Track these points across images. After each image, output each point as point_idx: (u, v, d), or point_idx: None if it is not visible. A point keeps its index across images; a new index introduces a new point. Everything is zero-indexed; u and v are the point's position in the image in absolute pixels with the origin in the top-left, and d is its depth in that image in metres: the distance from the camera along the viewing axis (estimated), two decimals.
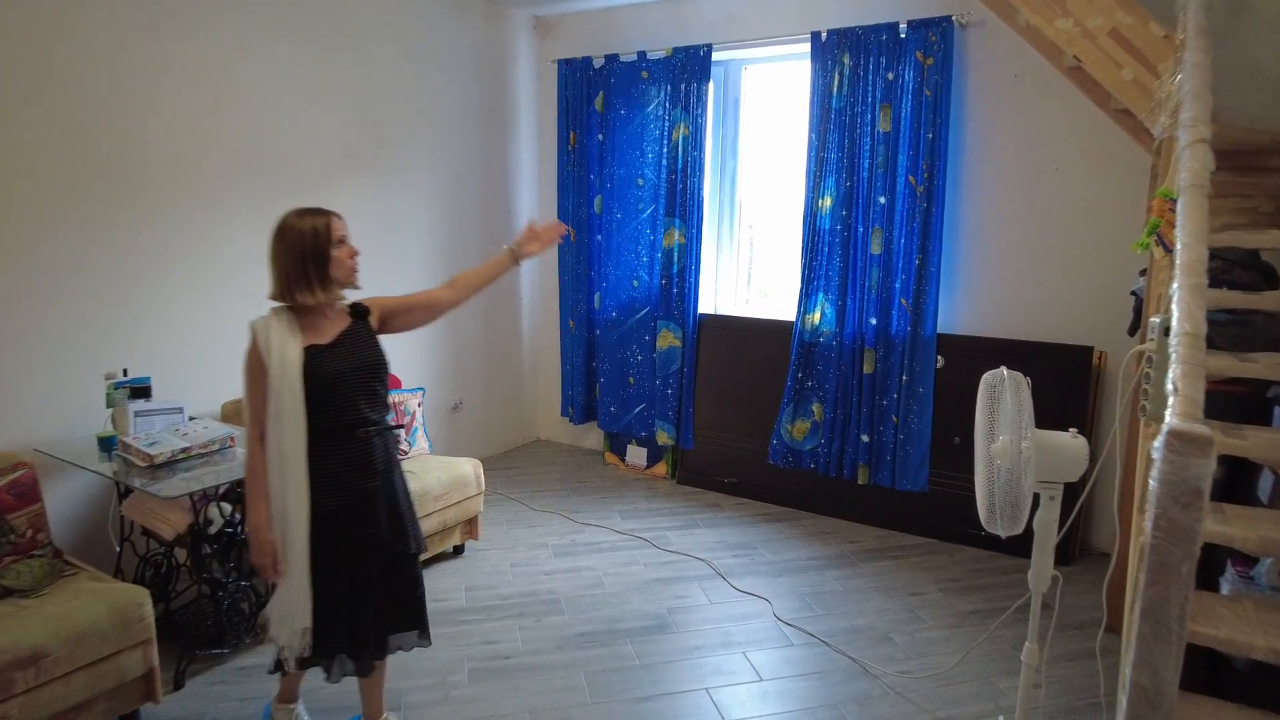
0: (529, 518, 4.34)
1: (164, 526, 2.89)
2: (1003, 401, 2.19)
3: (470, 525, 3.86)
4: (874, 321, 4.25)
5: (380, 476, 2.22)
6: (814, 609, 3.41)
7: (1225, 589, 2.49)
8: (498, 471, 5.05)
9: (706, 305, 4.94)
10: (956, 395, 4.03)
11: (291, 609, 2.14)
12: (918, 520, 4.22)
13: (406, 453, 3.88)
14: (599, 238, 5.11)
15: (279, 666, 2.28)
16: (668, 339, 4.90)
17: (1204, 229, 2.13)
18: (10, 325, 2.96)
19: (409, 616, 2.36)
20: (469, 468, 3.77)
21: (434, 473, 3.64)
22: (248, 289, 3.73)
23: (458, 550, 3.88)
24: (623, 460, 5.24)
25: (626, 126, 4.93)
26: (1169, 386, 1.84)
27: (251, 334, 2.12)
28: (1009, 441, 2.09)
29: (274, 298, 2.16)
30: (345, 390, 2.12)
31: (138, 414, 2.97)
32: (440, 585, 3.56)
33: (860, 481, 4.31)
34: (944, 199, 4.04)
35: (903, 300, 4.16)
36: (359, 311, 2.27)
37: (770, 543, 4.08)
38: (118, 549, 3.15)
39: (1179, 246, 2.13)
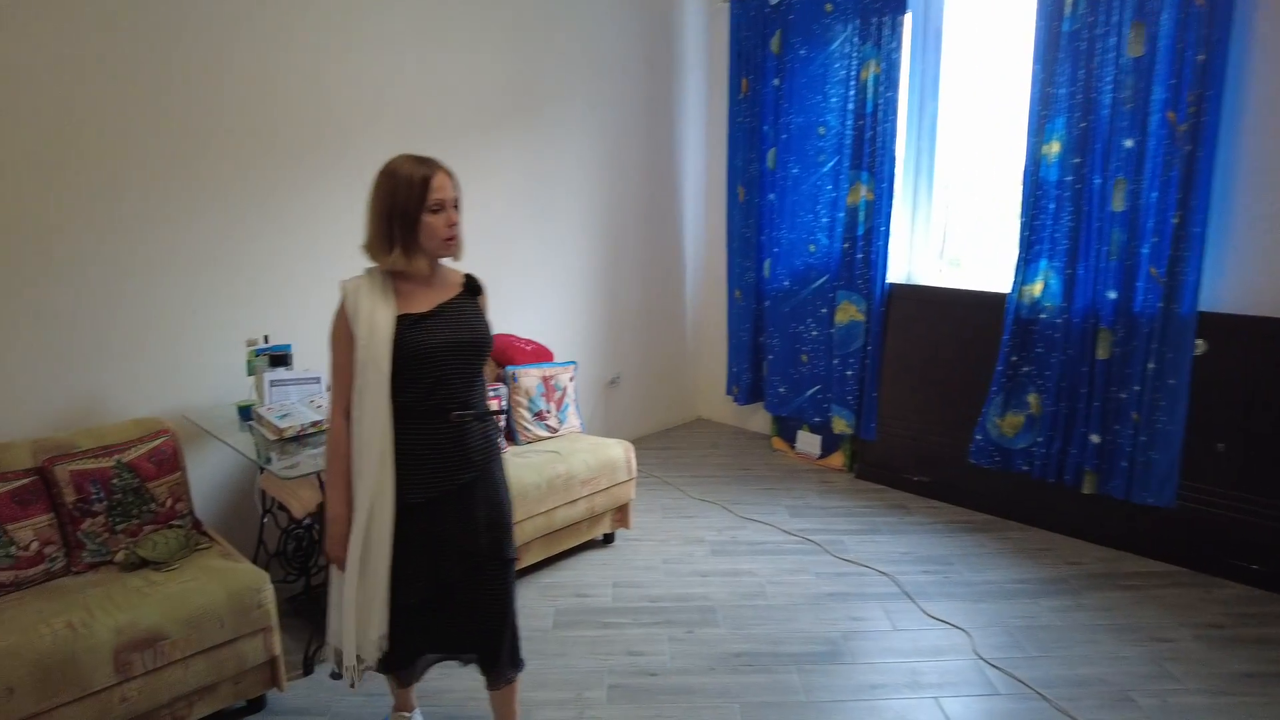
0: (686, 506, 3.94)
1: (294, 503, 2.74)
2: None
3: (621, 512, 3.52)
4: (1112, 295, 3.43)
5: (476, 468, 1.92)
6: (1025, 648, 2.77)
7: None
8: (654, 452, 4.69)
9: (897, 273, 4.28)
10: (1222, 390, 3.18)
11: (365, 612, 1.88)
12: (1160, 543, 3.41)
13: (556, 430, 3.59)
14: (771, 197, 4.57)
15: (339, 675, 2.00)
16: (849, 312, 4.30)
17: None
18: (160, 290, 2.90)
19: (485, 636, 2.00)
20: (620, 451, 3.41)
21: (581, 455, 3.31)
22: None
23: (607, 539, 3.56)
24: (792, 447, 4.71)
25: (807, 68, 4.33)
26: None
27: (341, 295, 1.86)
28: None
29: (364, 251, 1.89)
30: (438, 367, 1.83)
31: (273, 383, 2.83)
32: (586, 578, 3.25)
33: (1085, 490, 3.54)
34: (1215, 139, 3.15)
35: (1152, 269, 3.32)
36: (473, 287, 1.98)
37: (969, 558, 3.44)
38: (261, 520, 3.07)
39: None
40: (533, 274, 4.15)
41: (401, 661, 2.01)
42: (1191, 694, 2.51)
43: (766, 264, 4.65)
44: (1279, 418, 3.09)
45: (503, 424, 1.92)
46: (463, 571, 1.94)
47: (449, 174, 1.85)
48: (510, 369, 3.54)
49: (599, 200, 4.45)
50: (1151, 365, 3.35)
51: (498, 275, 3.95)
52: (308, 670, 2.62)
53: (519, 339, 3.73)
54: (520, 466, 3.15)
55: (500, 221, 3.94)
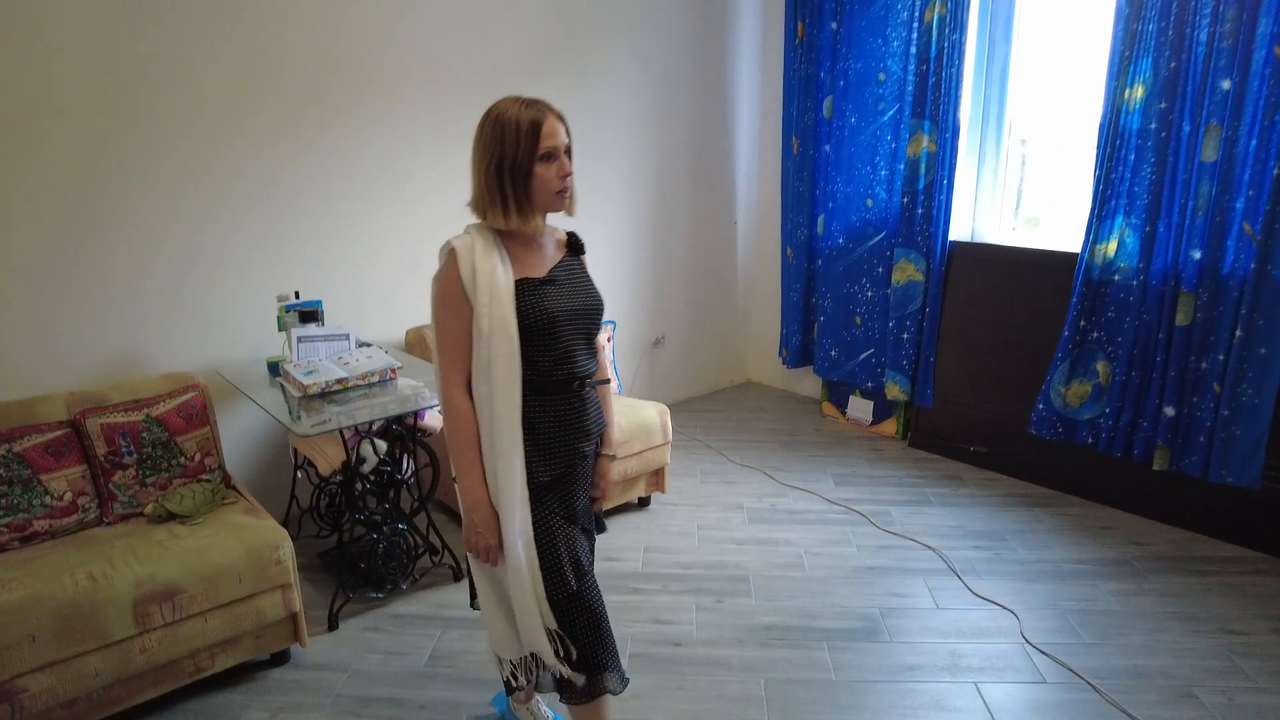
0: (727, 472, 3.82)
1: (320, 459, 2.73)
2: None
3: (656, 477, 3.42)
4: (1197, 255, 3.13)
5: (595, 438, 1.79)
6: (1079, 634, 2.59)
7: None
8: (699, 415, 4.57)
9: (960, 231, 4.01)
10: None
11: (528, 608, 1.70)
12: (1239, 526, 3.14)
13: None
14: (826, 148, 4.33)
15: (516, 686, 1.85)
16: (907, 271, 4.06)
17: None
18: (191, 243, 2.90)
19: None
20: (654, 414, 3.30)
21: (615, 418, 3.21)
22: (434, 206, 3.49)
23: (642, 502, 3.48)
24: (843, 413, 4.53)
25: (867, 10, 4.05)
26: None
27: (448, 256, 1.64)
28: None
29: (471, 208, 1.68)
30: (564, 336, 1.66)
31: (301, 339, 2.81)
32: (618, 543, 3.18)
33: (1156, 466, 3.28)
34: None
35: (1245, 226, 3.00)
36: (576, 246, 1.81)
37: (1025, 534, 3.23)
38: (294, 476, 3.08)
39: None
40: (573, 229, 4.03)
41: (591, 667, 1.78)
42: (1264, 693, 2.30)
43: (820, 220, 4.43)
44: None
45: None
46: (590, 548, 1.83)
47: (560, 117, 1.64)
48: None
49: (645, 153, 4.28)
50: (1240, 333, 3.04)
51: None
52: (332, 626, 2.63)
53: None
54: None
55: None
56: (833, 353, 4.48)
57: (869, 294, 4.26)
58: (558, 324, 1.64)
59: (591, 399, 1.76)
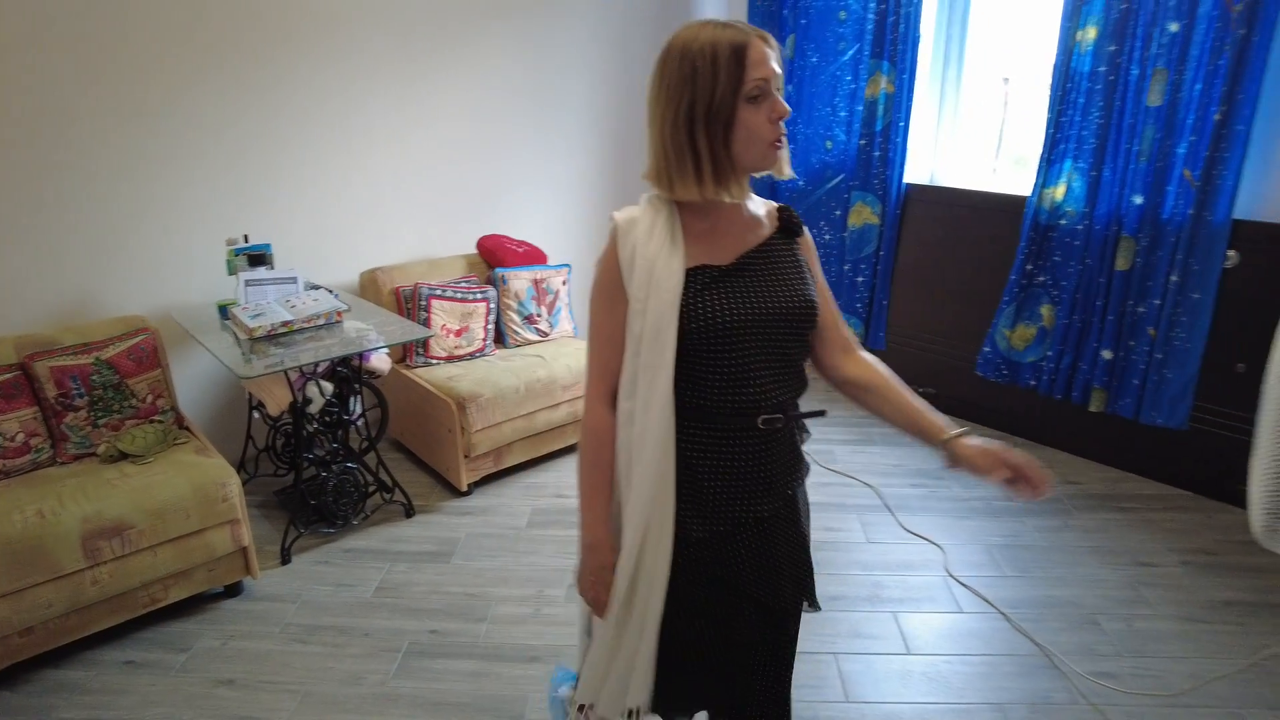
0: None
1: (269, 400, 2.80)
2: None
3: None
4: (1139, 200, 3.17)
5: (780, 496, 1.34)
6: (1001, 567, 2.71)
7: None
8: None
9: (919, 174, 4.02)
10: (1251, 306, 2.94)
11: (620, 674, 1.35)
12: (1166, 465, 3.26)
13: (547, 335, 3.56)
14: (789, 88, 4.30)
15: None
16: (863, 214, 4.09)
17: None
18: (143, 186, 2.91)
19: (772, 701, 1.46)
20: None
21: (565, 360, 3.29)
22: (391, 149, 3.49)
23: None
24: None
25: None
26: None
27: (610, 234, 1.30)
28: None
29: (649, 178, 1.28)
30: (745, 350, 1.23)
31: (249, 282, 2.85)
32: (568, 480, 3.29)
33: (1093, 408, 3.37)
34: (1276, 22, 2.80)
35: (1186, 172, 3.03)
36: (789, 224, 1.34)
37: (962, 474, 3.34)
38: (249, 415, 3.16)
39: None
40: (531, 172, 4.04)
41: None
42: (1161, 619, 2.43)
43: None
44: None
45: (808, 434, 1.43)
46: (762, 630, 1.38)
47: (769, 42, 1.19)
48: (499, 271, 3.49)
49: (604, 95, 4.25)
50: (1175, 278, 3.11)
51: (492, 174, 3.86)
52: (285, 560, 2.74)
53: (511, 240, 3.67)
54: (501, 370, 3.15)
55: (496, 117, 3.81)
56: None
57: (826, 237, 4.29)
58: (735, 333, 1.22)
59: (782, 441, 1.32)
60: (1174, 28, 2.98)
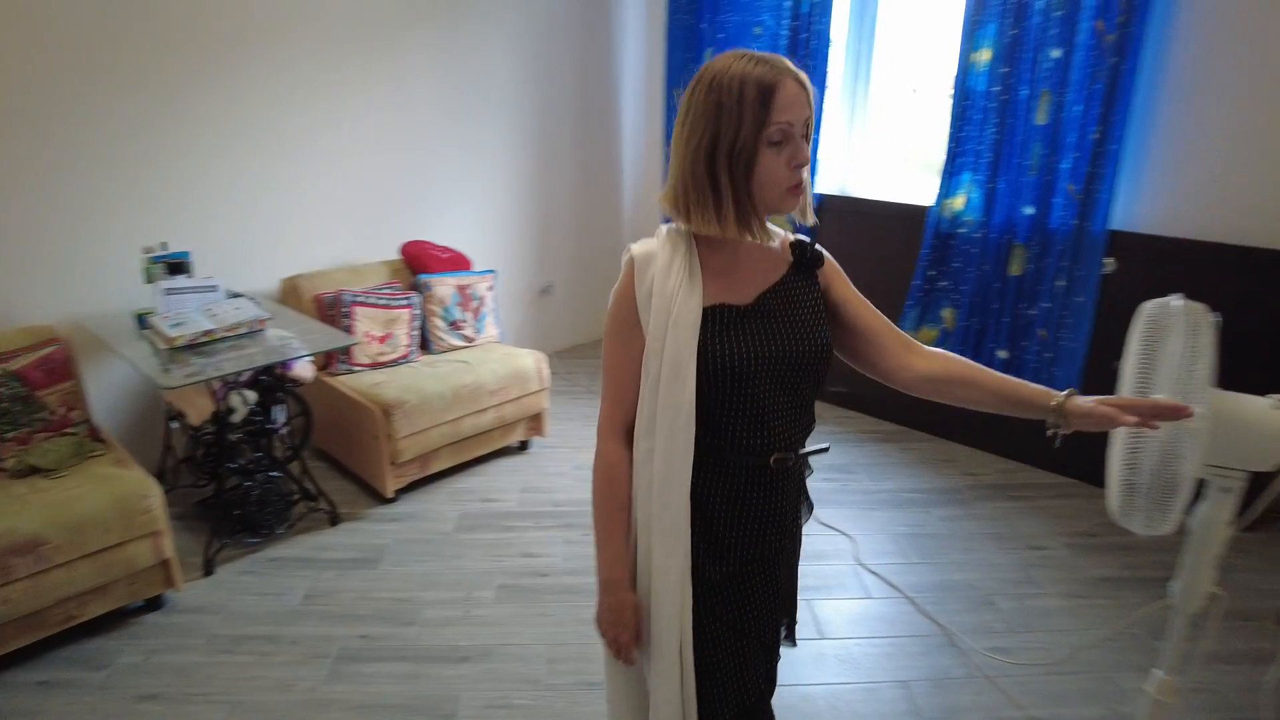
0: None
1: (191, 410, 2.77)
2: (1167, 344, 1.53)
3: (535, 421, 3.57)
4: (1029, 210, 3.42)
5: (789, 532, 1.36)
6: (907, 554, 2.90)
7: None
8: (587, 361, 4.73)
9: (831, 184, 4.22)
10: (1126, 309, 3.15)
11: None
12: (1055, 456, 3.51)
13: (473, 340, 3.60)
14: None
15: None
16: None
17: None
18: (53, 191, 2.83)
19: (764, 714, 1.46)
20: (530, 361, 3.44)
21: (491, 365, 3.33)
22: (310, 154, 3.47)
23: (523, 446, 3.63)
24: None
25: None
26: None
27: (625, 267, 1.27)
28: None
29: (665, 201, 1.24)
30: (761, 392, 1.23)
31: (169, 291, 2.81)
32: (496, 484, 3.33)
33: None
34: (1140, 52, 3.07)
35: (1070, 185, 3.29)
36: (806, 257, 1.30)
37: (873, 467, 3.54)
38: (167, 426, 3.10)
39: None
40: (455, 179, 4.07)
41: None
42: (1049, 597, 2.65)
43: None
44: None
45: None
46: (766, 666, 1.40)
47: (802, 83, 1.14)
48: (423, 277, 3.52)
49: (528, 102, 4.31)
50: (1061, 283, 3.37)
51: (415, 181, 3.87)
52: (208, 571, 2.71)
53: (435, 246, 3.69)
54: (427, 376, 3.18)
55: (419, 123, 3.82)
56: None
57: None
58: (753, 375, 1.21)
59: (791, 478, 1.32)
60: (1056, 54, 3.23)
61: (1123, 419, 1.22)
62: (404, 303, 3.38)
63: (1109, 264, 3.27)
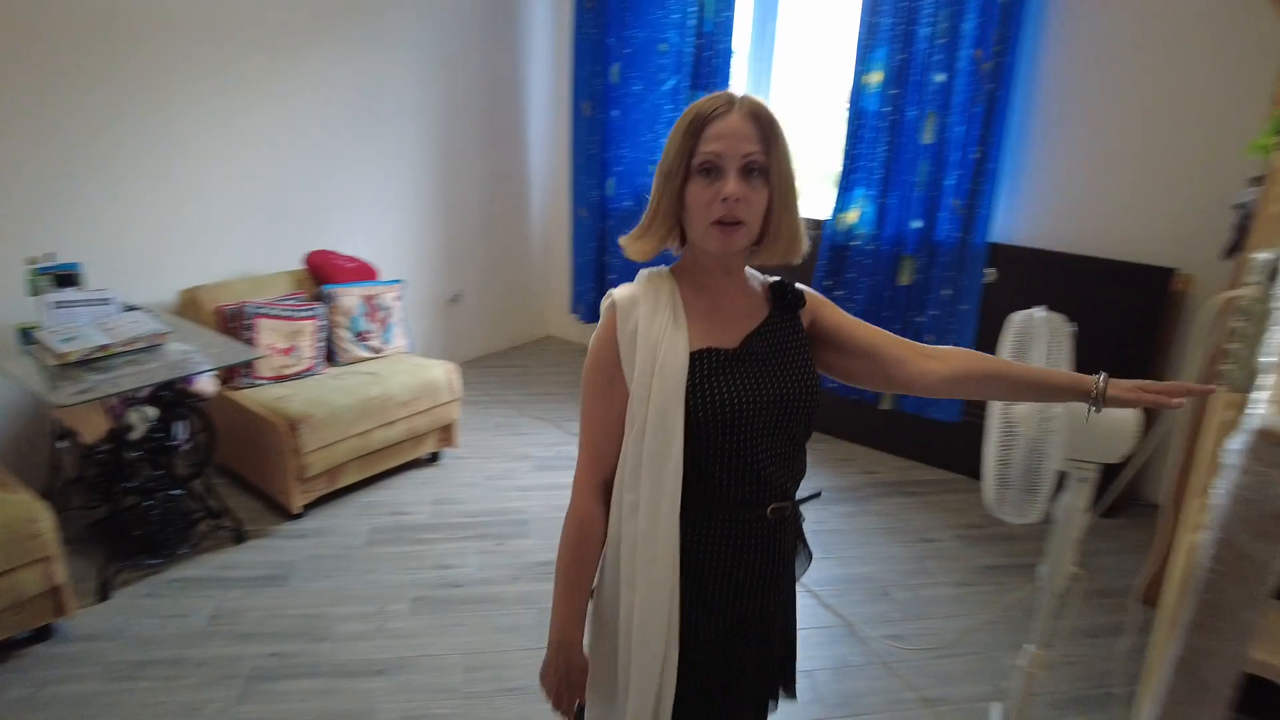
0: (519, 425, 4.03)
1: (85, 428, 2.66)
2: (1033, 350, 1.70)
3: (446, 432, 3.57)
4: (918, 224, 3.65)
5: (787, 587, 1.33)
6: (810, 550, 3.04)
7: None
8: (497, 371, 4.74)
9: None
10: (1005, 314, 3.46)
11: None
12: (946, 453, 3.76)
13: (380, 351, 3.57)
14: (615, 113, 4.53)
15: None
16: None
17: None
18: None
19: None
20: (441, 372, 3.43)
21: (400, 377, 3.32)
22: (211, 162, 3.37)
23: (434, 457, 3.61)
24: None
25: None
26: (1267, 359, 1.32)
27: (606, 311, 1.21)
28: (1034, 405, 1.61)
29: (628, 244, 1.23)
30: (753, 438, 1.18)
31: (58, 304, 2.68)
32: (406, 497, 3.31)
33: (884, 406, 3.84)
34: (1014, 80, 3.34)
35: (954, 201, 3.53)
36: (786, 298, 1.27)
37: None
38: (53, 446, 2.96)
39: None
40: (361, 188, 4.01)
41: None
42: (940, 586, 2.84)
43: (610, 182, 4.66)
44: None
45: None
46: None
47: (754, 116, 1.12)
48: (328, 288, 3.47)
49: (435, 111, 4.30)
50: (947, 291, 3.61)
51: (320, 189, 3.81)
52: (104, 596, 2.60)
53: (340, 256, 3.64)
54: (334, 389, 3.14)
55: (323, 131, 3.76)
56: None
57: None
58: (743, 421, 1.17)
59: (789, 527, 1.28)
60: (940, 78, 3.47)
61: (1167, 402, 1.19)
62: (308, 314, 3.32)
63: (990, 274, 3.52)
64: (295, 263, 3.66)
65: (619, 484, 1.20)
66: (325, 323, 3.40)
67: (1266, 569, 1.19)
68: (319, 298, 3.46)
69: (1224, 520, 1.20)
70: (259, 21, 3.41)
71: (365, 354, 3.50)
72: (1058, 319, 1.68)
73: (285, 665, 2.34)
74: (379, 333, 3.56)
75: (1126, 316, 3.20)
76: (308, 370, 3.29)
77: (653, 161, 4.42)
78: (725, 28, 4.03)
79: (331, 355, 3.44)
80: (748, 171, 1.11)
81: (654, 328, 1.16)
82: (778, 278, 1.29)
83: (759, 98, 1.14)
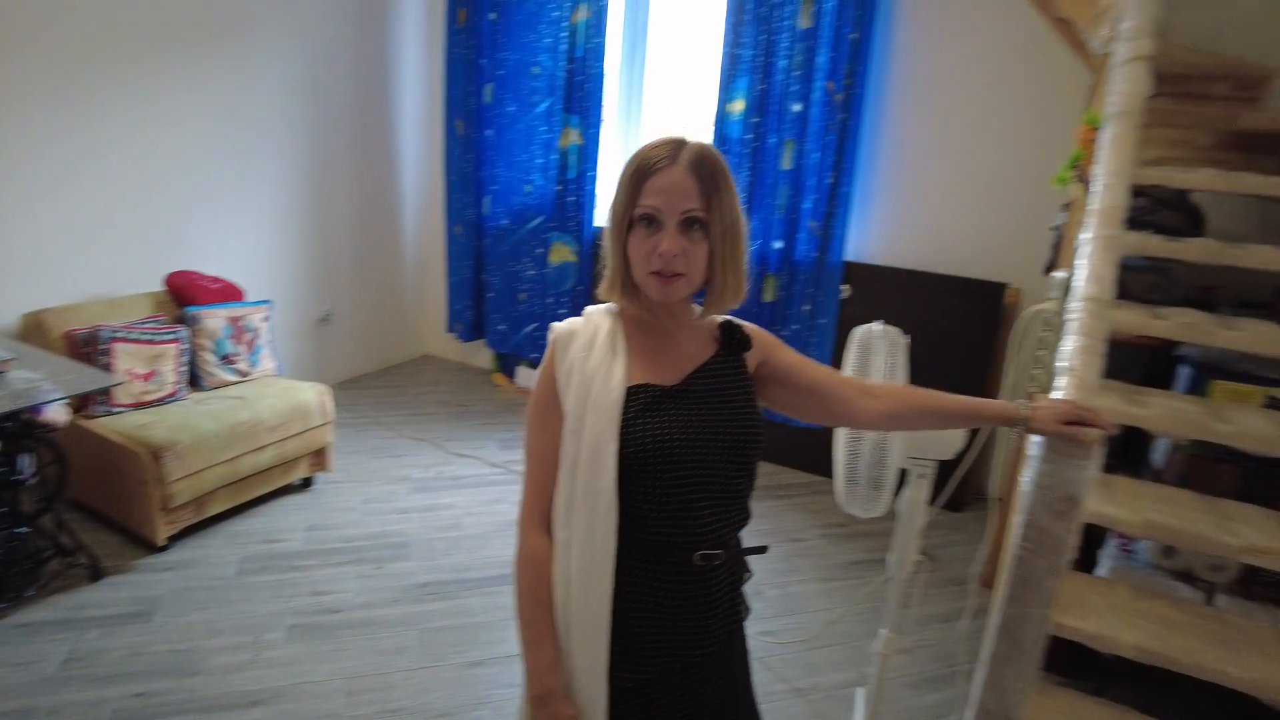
0: (396, 446, 3.98)
1: None
2: (874, 360, 1.88)
3: (319, 456, 3.48)
4: (779, 245, 3.89)
5: (715, 640, 1.24)
6: None
7: (1104, 565, 2.30)
8: (372, 391, 4.65)
9: (603, 219, 4.49)
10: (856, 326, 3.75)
11: None
12: (810, 457, 4.00)
13: (248, 374, 3.45)
14: (489, 133, 4.58)
15: None
16: (562, 253, 4.48)
17: (1129, 165, 1.81)
18: None
19: None
20: (312, 395, 3.36)
21: (269, 400, 3.22)
22: (56, 177, 3.17)
23: (306, 483, 3.52)
24: (512, 382, 4.88)
25: (522, 5, 4.33)
26: (1063, 363, 1.54)
27: (549, 346, 1.24)
28: None
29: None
30: (686, 478, 1.16)
31: None
32: (278, 524, 3.21)
33: None
34: (863, 111, 3.63)
35: (812, 223, 3.79)
36: (733, 339, 1.28)
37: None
38: None
39: (1097, 186, 1.81)
40: (226, 206, 3.87)
41: None
42: (808, 582, 3.03)
43: (486, 201, 4.69)
44: None
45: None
46: None
47: (695, 169, 1.12)
48: (191, 309, 3.33)
49: (304, 129, 4.20)
50: (807, 307, 3.86)
51: (180, 207, 3.66)
52: None
53: (204, 277, 3.50)
54: (199, 414, 3.02)
55: (184, 148, 3.61)
56: (501, 326, 4.79)
57: (531, 272, 4.62)
58: (676, 460, 1.15)
59: (723, 581, 1.23)
60: (797, 108, 3.72)
61: (1081, 436, 1.25)
62: (170, 337, 3.18)
63: (845, 290, 3.80)
64: (155, 284, 3.48)
65: (554, 521, 1.19)
66: (188, 346, 3.26)
67: (1063, 543, 1.40)
68: (181, 320, 3.31)
69: (1029, 504, 1.40)
70: (117, 33, 3.25)
71: (232, 378, 3.38)
72: (895, 332, 1.87)
73: (152, 704, 2.24)
74: (246, 355, 3.45)
75: (969, 326, 3.53)
76: (170, 396, 3.15)
77: (528, 181, 4.50)
78: (596, 53, 4.16)
79: (196, 380, 3.30)
80: (688, 225, 1.13)
81: (590, 361, 1.18)
82: (726, 318, 1.30)
83: (705, 144, 1.15)
